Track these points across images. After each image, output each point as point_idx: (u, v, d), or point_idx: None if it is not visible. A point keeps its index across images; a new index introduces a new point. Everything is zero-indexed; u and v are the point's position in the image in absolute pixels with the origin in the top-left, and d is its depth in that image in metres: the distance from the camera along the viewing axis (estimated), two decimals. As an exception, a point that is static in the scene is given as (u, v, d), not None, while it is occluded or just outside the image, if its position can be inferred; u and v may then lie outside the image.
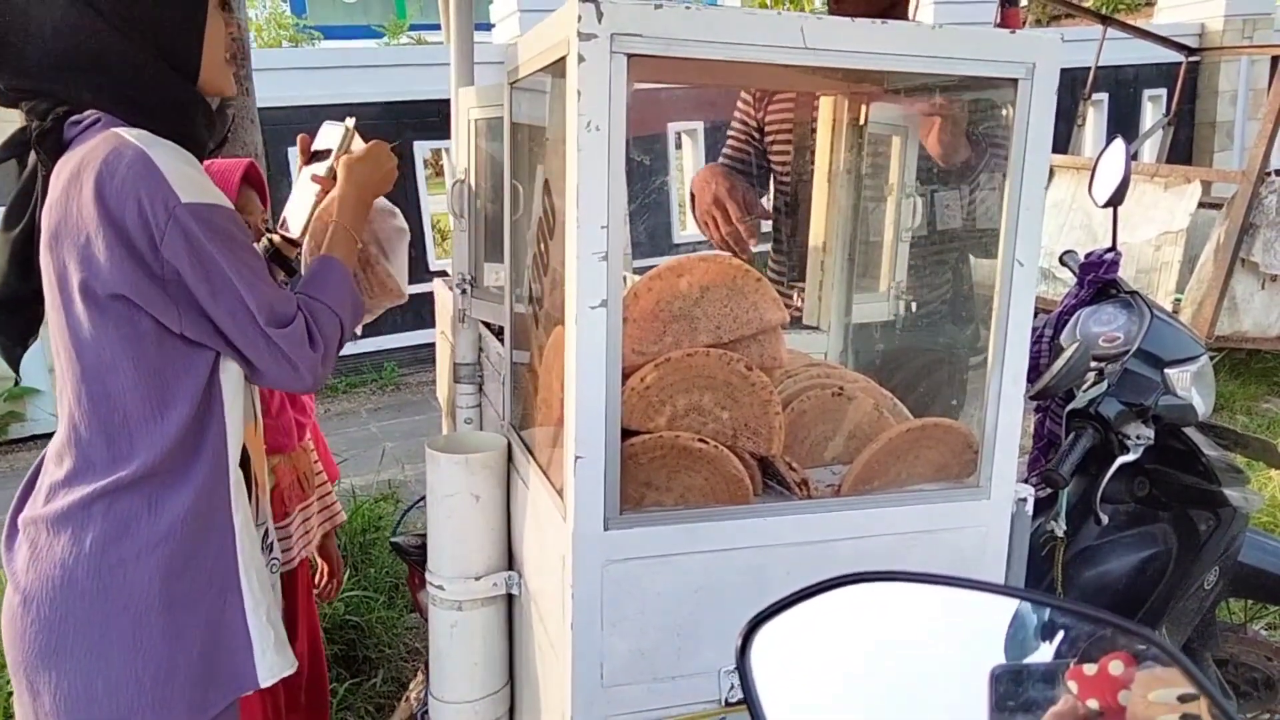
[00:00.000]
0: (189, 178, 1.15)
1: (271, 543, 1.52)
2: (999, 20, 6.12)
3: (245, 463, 1.33)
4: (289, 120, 5.63)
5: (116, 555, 1.18)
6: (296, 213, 1.55)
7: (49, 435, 1.30)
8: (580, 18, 0.97)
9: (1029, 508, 1.29)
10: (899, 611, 0.69)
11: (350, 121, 1.53)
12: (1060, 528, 1.59)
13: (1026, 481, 1.31)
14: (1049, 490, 1.58)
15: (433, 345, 2.46)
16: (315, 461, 2.02)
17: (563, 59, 1.04)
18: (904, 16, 1.79)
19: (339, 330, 1.30)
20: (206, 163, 1.45)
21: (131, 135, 1.15)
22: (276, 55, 7.83)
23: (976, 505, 1.24)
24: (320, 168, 1.53)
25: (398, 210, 1.70)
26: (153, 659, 1.19)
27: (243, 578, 1.27)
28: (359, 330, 1.45)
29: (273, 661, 1.29)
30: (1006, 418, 1.22)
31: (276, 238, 1.61)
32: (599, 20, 0.98)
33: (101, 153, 1.12)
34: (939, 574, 0.69)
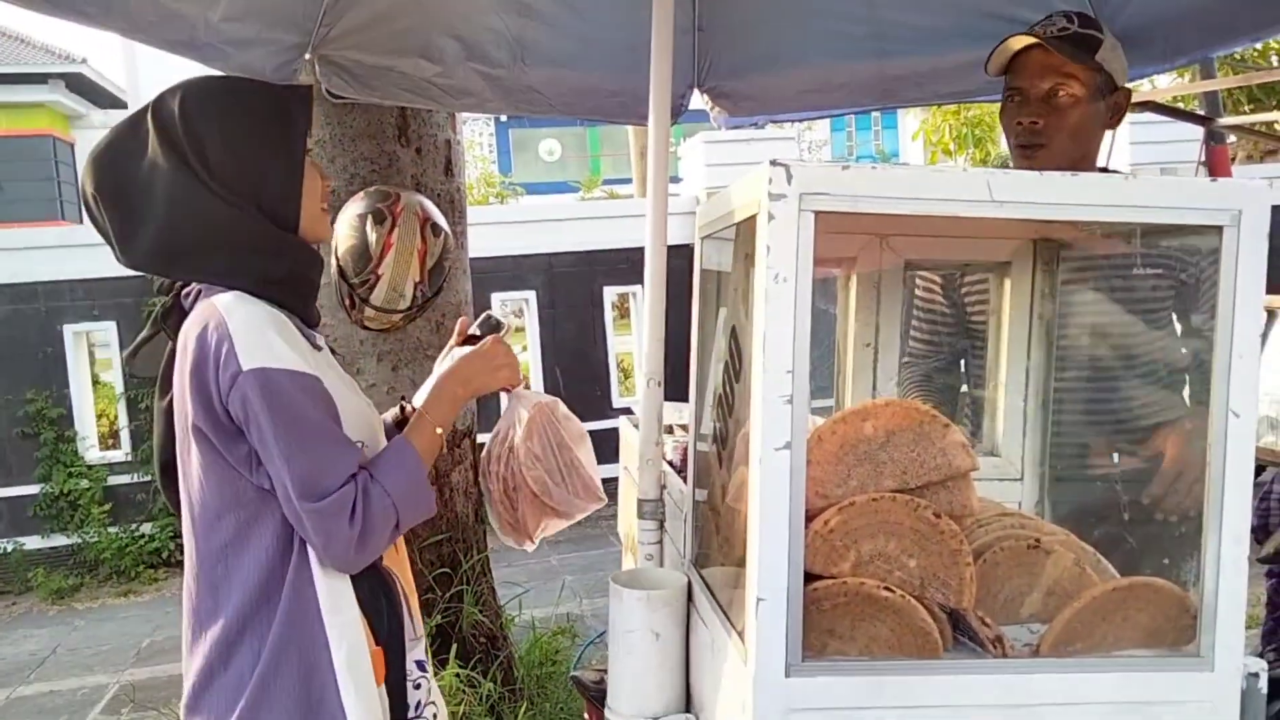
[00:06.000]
0: (262, 342, 1.21)
1: (423, 681, 1.42)
2: (1204, 158, 5.86)
3: (388, 591, 1.34)
4: (495, 269, 6.15)
5: None
6: (426, 385, 1.57)
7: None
8: (771, 180, 1.04)
9: (1263, 684, 1.16)
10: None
11: (507, 318, 1.56)
12: (1305, 712, 1.41)
13: (1260, 655, 1.18)
14: (1288, 668, 1.41)
15: (611, 480, 2.54)
16: None
17: (754, 216, 1.11)
18: (1093, 166, 1.78)
19: (391, 518, 1.26)
20: None
21: (221, 303, 1.24)
22: (485, 212, 8.61)
23: (1199, 677, 1.13)
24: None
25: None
26: None
27: None
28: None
29: None
30: (1229, 581, 1.12)
31: (408, 407, 1.60)
32: (789, 182, 1.05)
33: (196, 323, 1.24)
34: None
